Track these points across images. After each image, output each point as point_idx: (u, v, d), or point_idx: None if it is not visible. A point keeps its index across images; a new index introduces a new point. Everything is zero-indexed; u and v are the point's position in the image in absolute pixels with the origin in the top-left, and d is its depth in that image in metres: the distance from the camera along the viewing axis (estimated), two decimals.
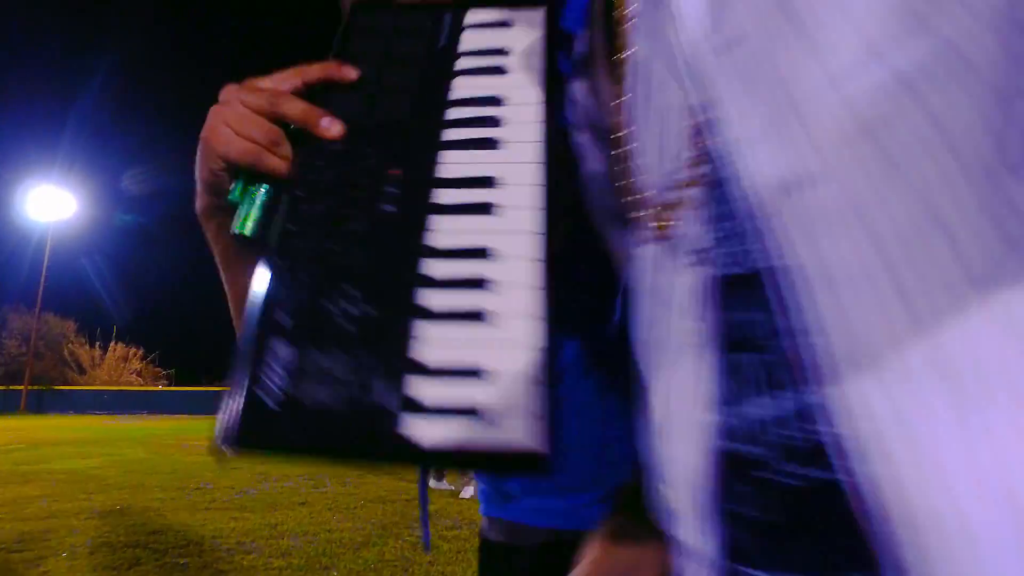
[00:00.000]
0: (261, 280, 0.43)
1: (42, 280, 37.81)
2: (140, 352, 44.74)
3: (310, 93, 0.53)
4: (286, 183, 0.49)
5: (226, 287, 0.62)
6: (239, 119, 0.50)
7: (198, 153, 0.53)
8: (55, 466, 8.66)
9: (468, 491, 4.67)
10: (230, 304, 0.63)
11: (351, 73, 0.53)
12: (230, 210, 0.52)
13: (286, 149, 0.50)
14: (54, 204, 45.51)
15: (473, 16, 0.58)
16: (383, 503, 5.81)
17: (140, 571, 3.63)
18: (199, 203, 0.56)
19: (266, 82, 0.53)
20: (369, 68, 0.54)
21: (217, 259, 0.61)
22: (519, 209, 0.46)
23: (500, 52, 0.55)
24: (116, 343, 43.58)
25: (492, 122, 0.51)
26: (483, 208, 0.46)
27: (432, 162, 0.49)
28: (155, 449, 11.67)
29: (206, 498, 6.05)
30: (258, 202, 0.51)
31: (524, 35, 0.56)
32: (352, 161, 0.49)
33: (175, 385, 45.01)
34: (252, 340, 0.41)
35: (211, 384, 43.75)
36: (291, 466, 8.92)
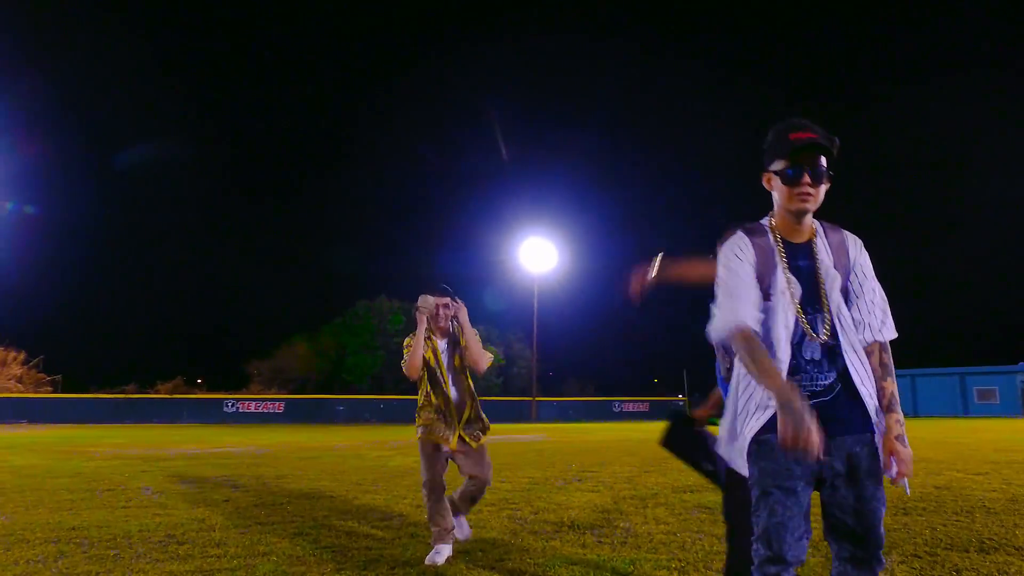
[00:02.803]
0: None
1: None
2: (21, 356, 41.58)
3: None
4: None
5: None
6: None
7: None
8: None
9: (441, 555, 3.54)
10: None
11: None
12: None
13: None
14: None
15: None
16: (310, 499, 5.81)
17: (69, 563, 3.54)
18: None
19: None
20: None
21: None
22: None
23: None
24: None
25: None
26: None
27: None
28: (49, 456, 11.02)
29: (121, 498, 5.86)
30: None
31: None
32: None
33: (62, 392, 42.08)
34: None
35: (101, 391, 41.21)
36: (206, 468, 8.68)
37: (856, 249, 2.02)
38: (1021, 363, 51.13)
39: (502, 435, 19.60)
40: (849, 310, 1.97)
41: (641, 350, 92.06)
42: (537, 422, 41.26)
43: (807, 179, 1.91)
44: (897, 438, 1.91)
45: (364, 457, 10.88)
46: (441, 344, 3.98)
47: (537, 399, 47.14)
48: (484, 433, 3.94)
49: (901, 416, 1.94)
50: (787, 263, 1.96)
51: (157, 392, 44.42)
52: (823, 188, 1.94)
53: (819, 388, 1.91)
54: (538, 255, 48.17)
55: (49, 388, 42.63)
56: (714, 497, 5.54)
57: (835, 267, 1.97)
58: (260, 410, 42.20)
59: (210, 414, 40.18)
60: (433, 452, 3.81)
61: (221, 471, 8.31)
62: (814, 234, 2.00)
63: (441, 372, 3.91)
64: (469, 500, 3.97)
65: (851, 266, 1.99)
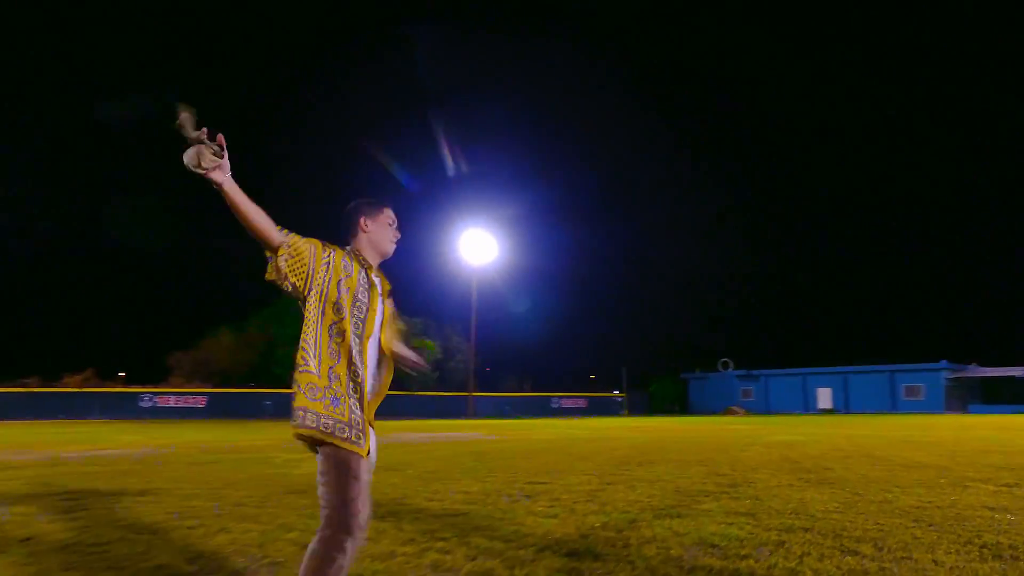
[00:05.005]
0: None
1: None
2: None
3: None
4: None
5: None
6: None
7: None
8: None
9: None
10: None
11: None
12: None
13: None
14: None
15: None
16: (154, 533, 4.12)
17: None
18: None
19: None
20: None
21: None
22: None
23: None
24: None
25: None
26: None
27: None
28: None
29: None
30: None
31: None
32: None
33: None
34: None
35: (39, 384, 37.94)
36: (59, 479, 6.80)
37: None
38: (943, 361, 52.67)
39: (437, 433, 18.03)
40: None
41: (579, 346, 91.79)
42: (474, 418, 39.78)
43: None
44: None
45: (270, 462, 9.15)
46: (377, 281, 2.39)
47: (474, 394, 45.66)
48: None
49: None
50: None
51: (64, 385, 41.11)
52: None
53: None
54: (478, 247, 46.63)
55: None
56: (715, 528, 4.12)
57: None
58: (180, 405, 39.60)
59: (124, 409, 37.31)
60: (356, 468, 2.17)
61: (74, 483, 6.49)
62: None
63: (368, 324, 2.28)
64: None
65: None
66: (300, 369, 2.17)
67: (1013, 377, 50.17)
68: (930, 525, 4.11)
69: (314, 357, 2.16)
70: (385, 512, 4.86)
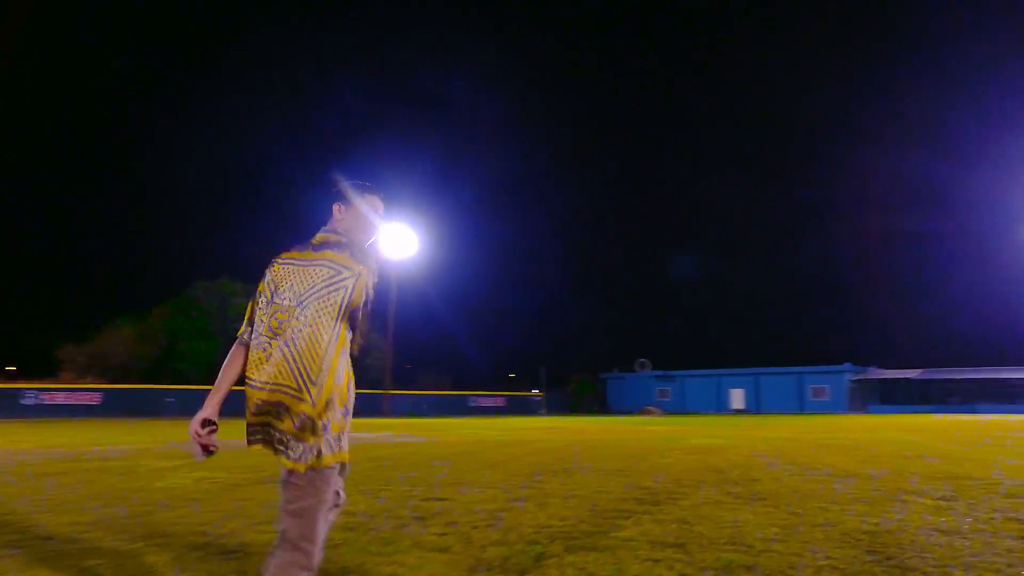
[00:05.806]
0: None
1: None
2: None
3: None
4: None
5: None
6: None
7: None
8: None
9: None
10: None
11: None
12: None
13: None
14: None
15: None
16: None
17: None
18: None
19: None
20: None
21: None
22: None
23: None
24: None
25: None
26: None
27: None
28: None
29: None
30: None
31: None
32: None
33: None
34: None
35: None
36: None
37: None
38: (847, 364, 54.90)
39: None
40: None
41: (499, 344, 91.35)
42: (389, 417, 38.51)
43: None
44: None
45: (132, 472, 7.90)
46: None
47: (390, 392, 44.34)
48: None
49: None
50: None
51: None
52: None
53: None
54: (398, 241, 45.21)
55: None
56: (638, 568, 3.35)
57: None
58: (70, 402, 36.52)
59: (1, 408, 33.96)
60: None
61: None
62: None
63: None
64: None
65: None
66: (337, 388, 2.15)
67: (909, 379, 52.82)
68: (888, 559, 3.48)
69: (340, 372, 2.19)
70: (236, 544, 3.89)
